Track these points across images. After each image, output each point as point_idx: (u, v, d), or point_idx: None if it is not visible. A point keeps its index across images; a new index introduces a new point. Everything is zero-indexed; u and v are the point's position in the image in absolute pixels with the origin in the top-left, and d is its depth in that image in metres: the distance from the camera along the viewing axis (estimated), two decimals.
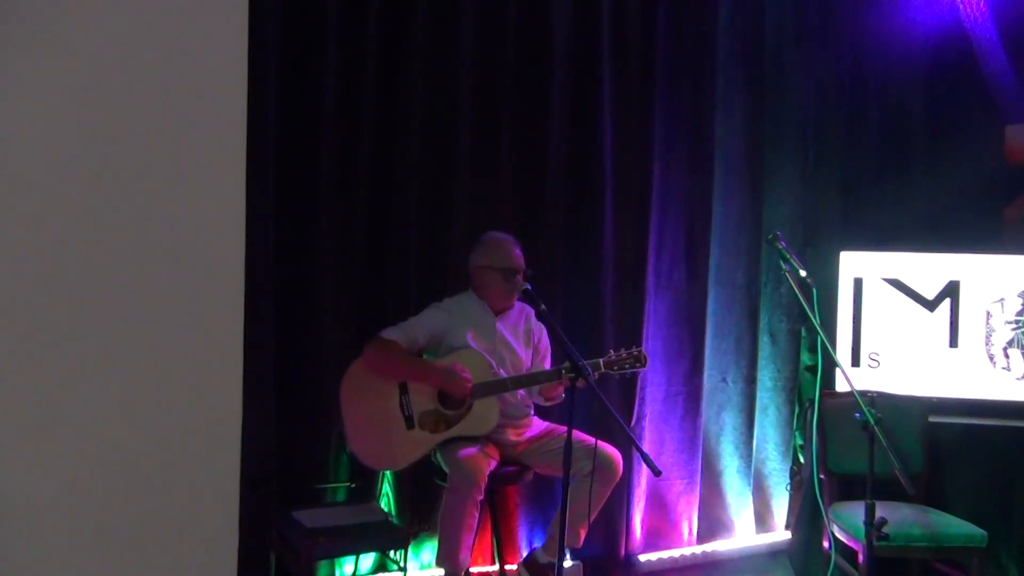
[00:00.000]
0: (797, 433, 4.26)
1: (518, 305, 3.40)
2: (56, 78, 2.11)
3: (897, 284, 4.00)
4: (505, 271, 3.28)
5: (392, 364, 3.16)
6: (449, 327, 3.26)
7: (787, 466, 4.26)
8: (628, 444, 3.42)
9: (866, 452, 2.77)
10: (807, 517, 3.74)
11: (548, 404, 3.39)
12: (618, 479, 3.25)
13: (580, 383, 2.77)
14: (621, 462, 3.24)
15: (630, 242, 3.89)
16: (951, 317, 3.95)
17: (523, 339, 3.39)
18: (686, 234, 4.04)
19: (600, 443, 3.07)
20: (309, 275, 3.34)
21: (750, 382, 4.20)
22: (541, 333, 3.45)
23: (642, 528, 3.94)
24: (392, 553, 3.23)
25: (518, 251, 3.32)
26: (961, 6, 4.17)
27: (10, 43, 2.06)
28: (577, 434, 2.94)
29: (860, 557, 3.15)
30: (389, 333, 3.19)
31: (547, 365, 3.45)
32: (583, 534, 3.27)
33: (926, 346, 3.97)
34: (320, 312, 3.35)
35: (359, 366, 3.16)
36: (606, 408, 2.74)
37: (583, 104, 3.77)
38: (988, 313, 3.94)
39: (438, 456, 3.21)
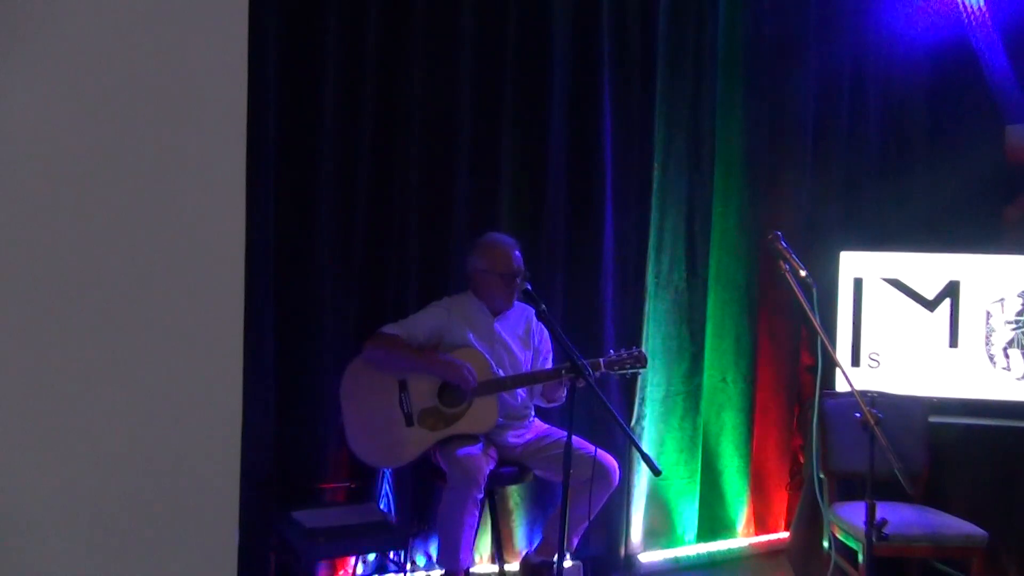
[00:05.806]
0: (797, 433, 4.26)
1: (519, 306, 3.38)
2: (55, 77, 2.11)
3: (897, 284, 4.00)
4: (505, 275, 3.26)
5: (394, 357, 3.15)
6: (448, 326, 3.26)
7: (787, 466, 4.26)
8: (628, 444, 3.42)
9: (866, 452, 2.77)
10: (807, 517, 3.73)
11: (549, 406, 3.39)
12: (614, 488, 3.24)
13: (580, 382, 2.78)
14: (618, 472, 3.24)
15: (630, 242, 3.88)
16: (951, 317, 3.95)
17: (522, 341, 3.38)
18: (686, 234, 4.04)
19: (599, 452, 3.07)
20: (309, 275, 3.33)
21: (750, 382, 4.19)
22: (542, 335, 3.43)
23: (642, 528, 3.94)
24: (392, 553, 3.22)
25: (517, 253, 3.30)
26: (961, 7, 4.17)
27: (10, 43, 2.06)
28: (577, 441, 2.93)
29: (860, 557, 3.15)
30: (390, 328, 3.19)
31: (548, 366, 3.44)
32: (576, 540, 3.30)
33: (926, 346, 3.97)
34: (320, 312, 3.34)
35: (359, 363, 3.16)
36: (606, 408, 2.74)
37: (583, 104, 3.76)
38: (988, 313, 3.94)
39: (437, 455, 3.21)
